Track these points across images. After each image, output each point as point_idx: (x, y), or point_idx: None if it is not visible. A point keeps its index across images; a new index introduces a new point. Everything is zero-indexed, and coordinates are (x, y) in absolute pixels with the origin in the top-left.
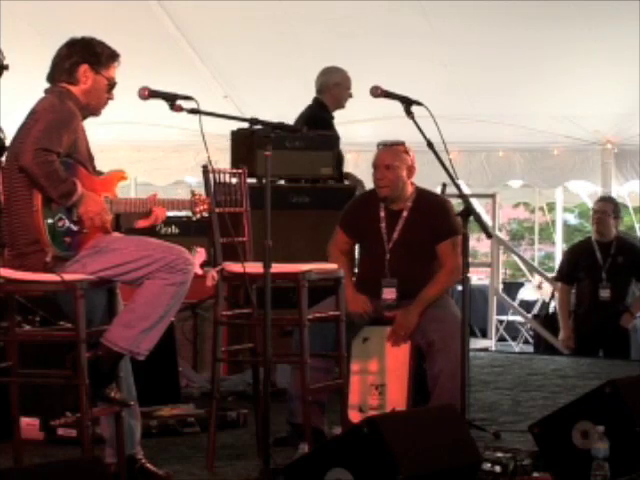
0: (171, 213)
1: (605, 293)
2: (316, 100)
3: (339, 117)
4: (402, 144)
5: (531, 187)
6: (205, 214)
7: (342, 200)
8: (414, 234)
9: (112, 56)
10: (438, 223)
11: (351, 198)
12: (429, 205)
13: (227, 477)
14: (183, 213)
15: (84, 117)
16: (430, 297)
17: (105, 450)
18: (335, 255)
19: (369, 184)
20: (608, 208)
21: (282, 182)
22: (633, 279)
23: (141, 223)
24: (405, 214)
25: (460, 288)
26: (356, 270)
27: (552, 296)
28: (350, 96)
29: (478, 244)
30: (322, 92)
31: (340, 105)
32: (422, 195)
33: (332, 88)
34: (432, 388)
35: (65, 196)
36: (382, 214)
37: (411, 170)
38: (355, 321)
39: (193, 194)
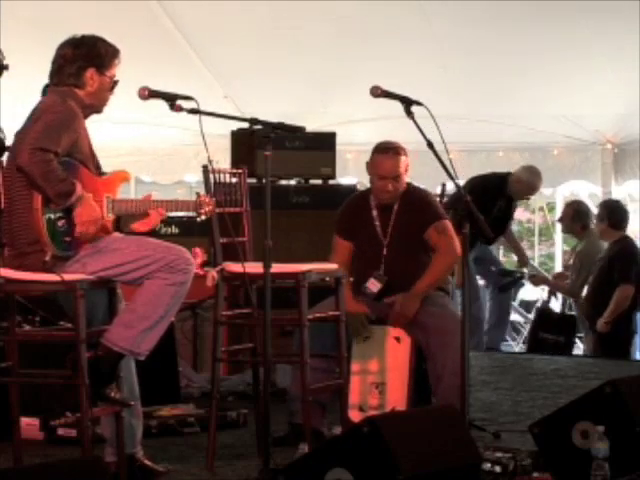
0: (173, 213)
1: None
2: (504, 178)
3: (339, 117)
4: (398, 145)
5: None
6: (210, 215)
7: (342, 200)
8: (405, 226)
9: (114, 54)
10: (421, 212)
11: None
12: (414, 198)
13: (227, 477)
14: (184, 213)
15: (87, 115)
16: (429, 282)
17: (105, 449)
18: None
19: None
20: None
21: (282, 182)
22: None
23: (138, 227)
24: (396, 207)
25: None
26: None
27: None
28: (527, 198)
29: None
30: (513, 178)
31: (515, 197)
32: (410, 189)
33: (521, 182)
34: (435, 386)
35: (63, 196)
36: (375, 211)
37: (407, 169)
38: (351, 325)
39: (198, 195)
